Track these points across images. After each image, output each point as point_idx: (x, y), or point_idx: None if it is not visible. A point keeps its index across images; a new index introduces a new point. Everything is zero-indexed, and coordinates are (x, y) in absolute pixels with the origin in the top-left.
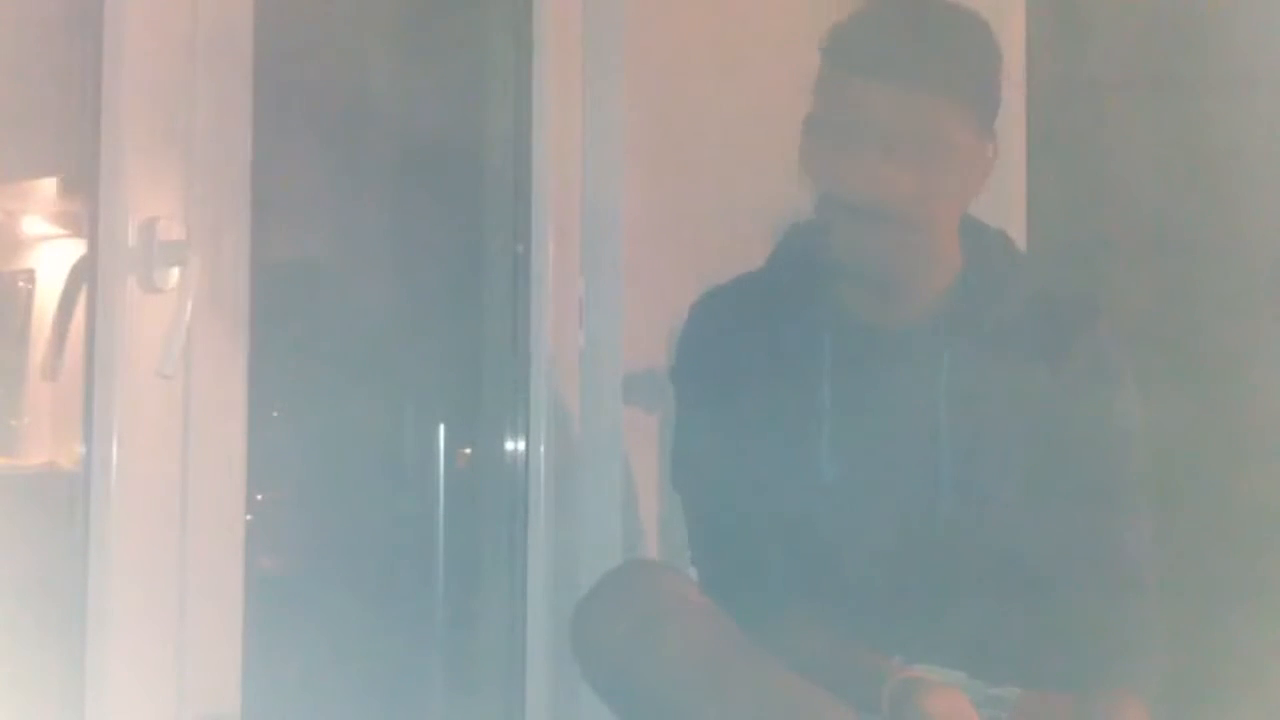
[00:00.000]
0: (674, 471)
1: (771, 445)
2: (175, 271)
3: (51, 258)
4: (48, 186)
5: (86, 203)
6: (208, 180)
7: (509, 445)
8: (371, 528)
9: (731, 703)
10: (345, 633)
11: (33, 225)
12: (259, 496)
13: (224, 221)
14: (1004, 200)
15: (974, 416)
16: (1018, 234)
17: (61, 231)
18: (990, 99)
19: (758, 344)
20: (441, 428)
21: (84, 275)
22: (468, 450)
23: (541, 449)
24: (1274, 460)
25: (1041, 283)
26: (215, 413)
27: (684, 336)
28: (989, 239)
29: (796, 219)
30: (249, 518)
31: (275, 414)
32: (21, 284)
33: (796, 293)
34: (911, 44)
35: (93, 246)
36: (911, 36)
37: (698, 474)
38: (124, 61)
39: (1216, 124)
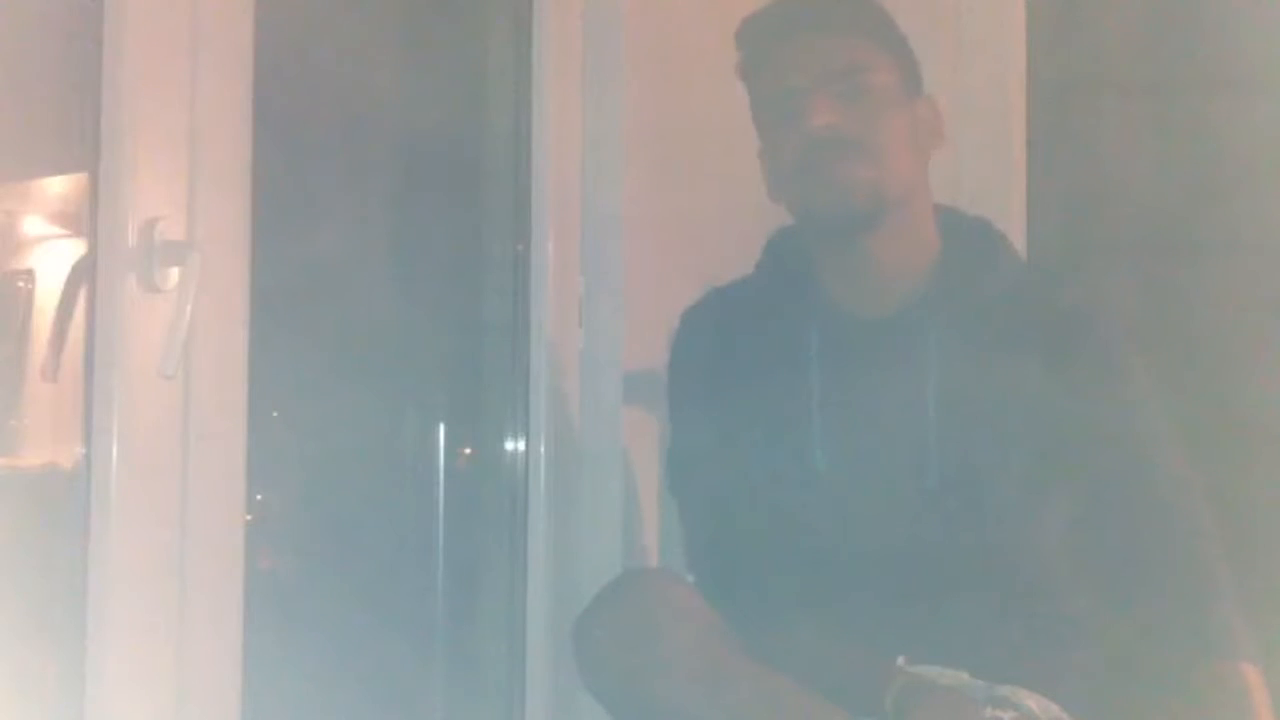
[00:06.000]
0: (671, 480)
1: (768, 447)
2: (175, 271)
3: (51, 258)
4: (48, 186)
5: (86, 203)
6: (208, 180)
7: (509, 445)
8: (372, 528)
9: (732, 712)
10: (345, 633)
11: (33, 225)
12: (259, 496)
13: (224, 221)
14: (1004, 200)
15: (965, 400)
16: (1018, 234)
17: (61, 231)
18: (908, 53)
19: (749, 347)
20: (441, 428)
21: (84, 275)
22: (468, 450)
23: (541, 449)
24: (1274, 460)
25: (1033, 269)
26: (215, 413)
27: (676, 345)
28: (967, 224)
29: (789, 221)
30: (249, 518)
31: (275, 414)
32: (21, 284)
33: (784, 293)
34: (819, 7)
35: (93, 246)
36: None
37: (696, 480)
38: (124, 61)
39: (1216, 124)
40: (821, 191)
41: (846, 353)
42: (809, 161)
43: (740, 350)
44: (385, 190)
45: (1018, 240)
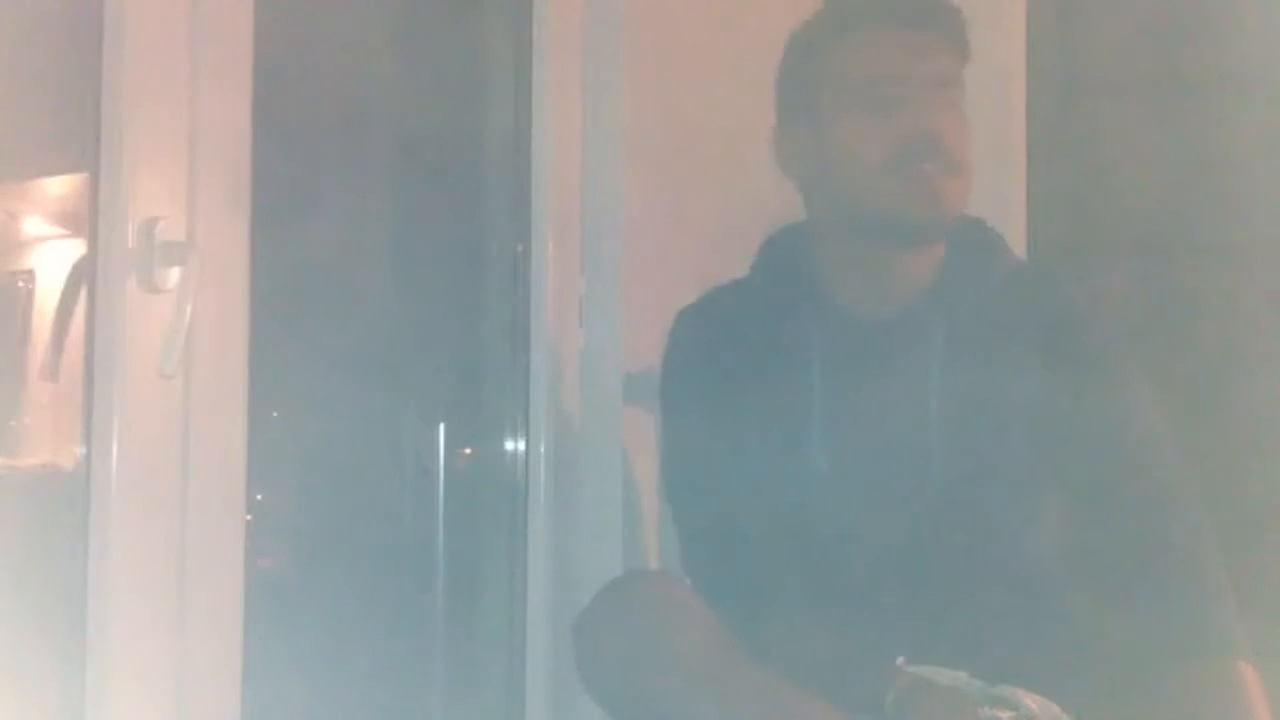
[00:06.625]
0: (668, 486)
1: (767, 448)
2: (175, 271)
3: (51, 258)
4: (48, 186)
5: (87, 203)
6: (208, 180)
7: (509, 445)
8: (371, 528)
9: (732, 713)
10: (345, 633)
11: (33, 225)
12: (259, 496)
13: (224, 221)
14: (1004, 200)
15: (965, 400)
16: (1018, 234)
17: (61, 231)
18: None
19: (746, 348)
20: (441, 428)
21: (84, 275)
22: (468, 450)
23: (541, 449)
24: (1274, 460)
25: (1032, 269)
26: (215, 413)
27: (670, 348)
28: (966, 224)
29: (788, 221)
30: (249, 518)
31: (275, 414)
32: (21, 284)
33: (782, 293)
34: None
35: (93, 246)
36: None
37: (691, 484)
38: (124, 61)
39: (1216, 124)
40: (911, 197)
41: (847, 353)
42: (904, 163)
43: (737, 351)
44: (385, 190)
45: (1018, 240)
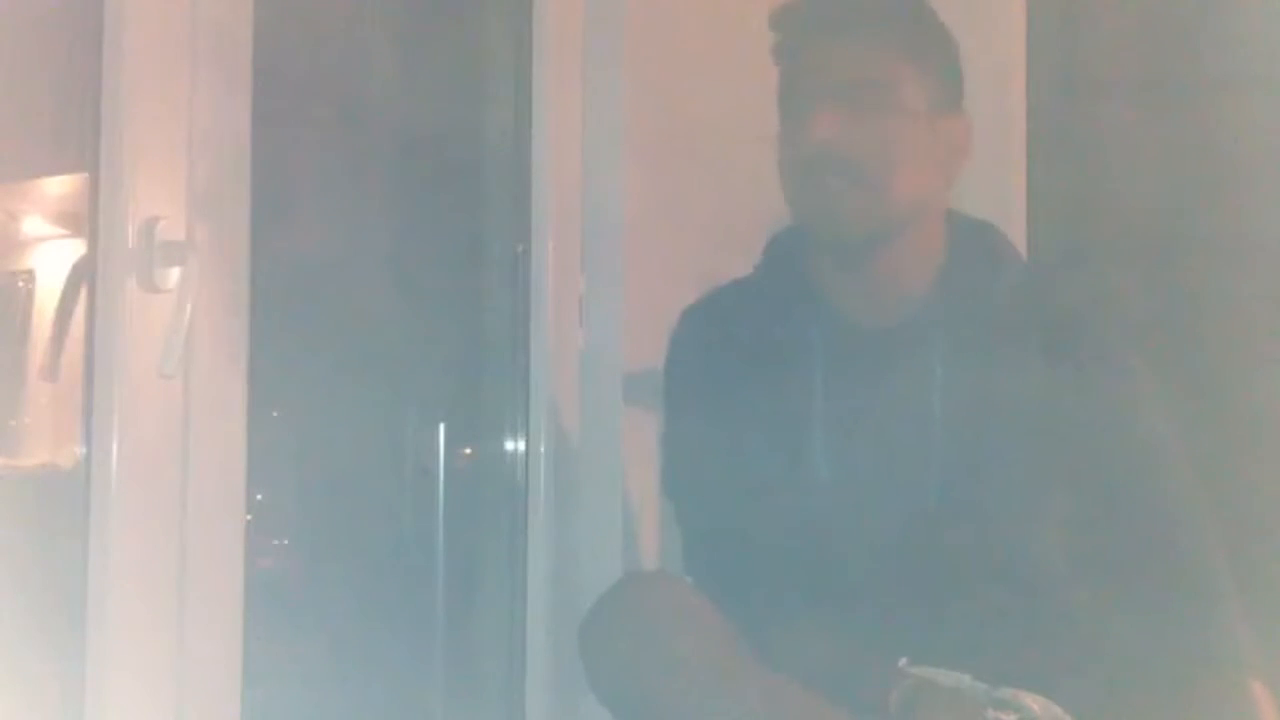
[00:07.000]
0: (669, 482)
1: (767, 451)
2: (175, 271)
3: (51, 258)
4: (48, 186)
5: (87, 203)
6: (208, 180)
7: (509, 445)
8: (371, 528)
9: (738, 714)
10: (345, 633)
11: (33, 225)
12: (259, 496)
13: (224, 221)
14: (1004, 200)
15: (969, 407)
16: (1018, 234)
17: (61, 231)
18: (950, 68)
19: (748, 350)
20: (441, 428)
21: (84, 275)
22: (468, 450)
23: (541, 449)
24: (1274, 461)
25: (1037, 275)
26: (215, 413)
27: (673, 347)
28: (971, 228)
29: (789, 221)
30: (249, 518)
31: (275, 414)
32: (21, 284)
33: (785, 296)
34: (859, 8)
35: (93, 246)
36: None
37: (692, 482)
38: (124, 61)
39: (1216, 124)
40: (813, 208)
41: (849, 361)
42: (806, 174)
43: (739, 352)
44: (385, 190)
45: (1018, 240)
